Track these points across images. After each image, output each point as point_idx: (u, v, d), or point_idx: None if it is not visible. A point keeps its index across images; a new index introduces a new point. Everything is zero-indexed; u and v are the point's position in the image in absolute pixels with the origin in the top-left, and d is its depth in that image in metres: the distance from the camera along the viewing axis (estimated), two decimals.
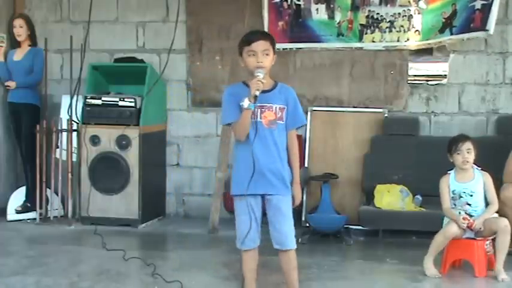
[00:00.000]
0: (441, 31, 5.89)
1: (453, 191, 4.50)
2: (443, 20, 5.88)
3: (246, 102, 3.34)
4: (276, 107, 3.48)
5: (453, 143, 4.52)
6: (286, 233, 3.52)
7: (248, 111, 3.37)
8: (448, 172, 4.56)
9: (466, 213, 4.46)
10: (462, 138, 4.53)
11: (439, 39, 5.90)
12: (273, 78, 3.56)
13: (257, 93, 3.34)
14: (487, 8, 5.65)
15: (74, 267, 4.69)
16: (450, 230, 4.42)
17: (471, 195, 4.45)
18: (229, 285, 4.23)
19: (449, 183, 4.51)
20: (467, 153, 4.45)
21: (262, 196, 3.51)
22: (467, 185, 4.47)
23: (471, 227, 4.39)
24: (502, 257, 4.34)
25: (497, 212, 4.52)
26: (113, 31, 6.67)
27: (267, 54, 3.43)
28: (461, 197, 4.47)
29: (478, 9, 5.70)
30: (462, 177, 4.50)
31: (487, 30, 5.65)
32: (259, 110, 3.43)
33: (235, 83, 3.67)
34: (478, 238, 4.44)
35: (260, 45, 3.42)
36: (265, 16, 6.21)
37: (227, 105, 3.50)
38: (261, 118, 3.44)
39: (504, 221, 4.37)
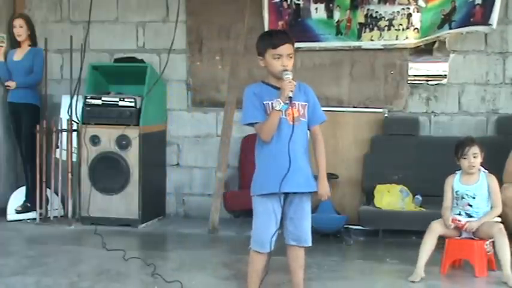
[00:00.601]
0: (440, 27, 5.89)
1: (456, 192, 4.50)
2: (442, 17, 5.87)
3: (278, 104, 3.35)
4: (298, 104, 3.48)
5: (459, 147, 4.47)
6: (305, 229, 3.53)
7: (279, 113, 3.37)
8: (455, 172, 4.55)
9: (466, 213, 4.46)
10: (468, 142, 4.46)
11: (437, 34, 5.90)
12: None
13: (291, 94, 3.34)
14: (488, 3, 5.66)
15: (74, 267, 4.69)
16: (433, 226, 4.43)
17: (473, 198, 4.45)
18: (229, 285, 4.23)
19: (454, 184, 4.51)
20: (473, 157, 4.41)
21: (285, 195, 3.46)
22: (471, 188, 4.46)
23: (462, 228, 4.40)
24: (506, 259, 4.28)
25: (499, 217, 4.51)
26: (113, 31, 6.67)
27: (291, 57, 3.46)
28: (463, 198, 4.47)
29: (478, 4, 5.70)
30: (467, 180, 4.48)
31: (490, 24, 5.64)
32: None
33: (256, 82, 3.61)
34: (476, 238, 4.45)
35: (285, 49, 3.44)
36: (265, 16, 6.22)
37: (250, 105, 3.46)
38: (285, 115, 3.42)
39: (498, 225, 4.35)
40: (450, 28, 5.84)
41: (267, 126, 3.41)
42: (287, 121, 3.42)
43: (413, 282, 4.28)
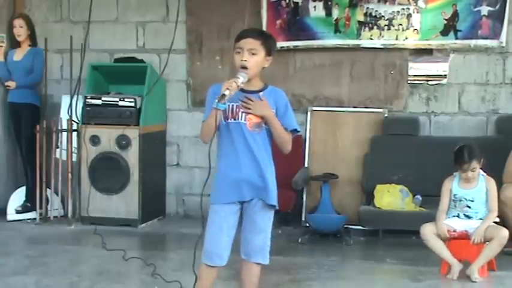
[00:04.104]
0: (444, 33, 5.91)
1: (455, 195, 4.49)
2: (445, 22, 5.89)
3: (215, 102, 3.05)
4: None
5: (458, 161, 4.43)
6: (256, 245, 3.24)
7: (216, 111, 3.06)
8: (454, 174, 4.54)
9: (465, 215, 4.47)
10: (467, 159, 4.37)
11: (442, 42, 5.92)
12: (264, 80, 3.29)
13: (226, 92, 3.02)
14: (495, 15, 5.77)
15: (74, 267, 4.69)
16: (426, 232, 4.46)
17: (472, 201, 4.45)
18: (228, 284, 4.23)
19: (452, 187, 4.50)
20: (471, 171, 4.39)
21: (241, 204, 3.24)
22: (469, 192, 4.46)
23: (464, 236, 4.43)
24: (483, 260, 4.33)
25: (497, 216, 4.53)
26: (113, 31, 6.67)
27: (253, 54, 3.14)
28: (462, 200, 4.47)
29: (484, 15, 5.79)
30: (466, 184, 4.47)
31: (501, 42, 5.80)
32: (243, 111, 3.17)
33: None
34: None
35: (247, 43, 3.15)
36: (263, 15, 6.21)
37: (207, 104, 3.22)
38: (245, 120, 3.17)
39: (504, 232, 4.34)
40: (456, 38, 5.89)
41: (204, 125, 3.19)
42: (245, 126, 3.16)
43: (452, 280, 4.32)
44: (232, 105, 3.17)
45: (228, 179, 3.20)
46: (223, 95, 3.03)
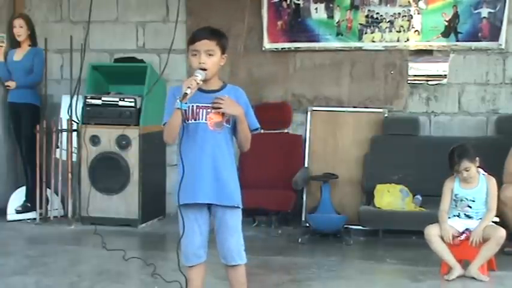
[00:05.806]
0: (445, 35, 5.93)
1: (456, 195, 4.48)
2: (446, 23, 5.91)
3: (177, 102, 3.04)
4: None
5: (451, 162, 4.42)
6: (230, 248, 3.27)
7: (178, 112, 3.05)
8: (454, 174, 4.52)
9: (465, 215, 4.47)
10: (457, 159, 4.37)
11: (443, 43, 5.93)
12: (222, 79, 3.29)
13: (188, 91, 3.02)
14: (495, 17, 5.79)
15: (74, 267, 4.69)
16: (431, 232, 4.42)
17: (473, 201, 4.44)
18: (228, 285, 4.23)
19: (453, 187, 4.49)
20: (465, 171, 4.38)
21: (208, 205, 3.24)
22: (470, 192, 4.44)
23: (466, 238, 4.41)
24: (480, 261, 4.32)
25: (497, 216, 4.53)
26: (113, 31, 6.67)
27: (210, 55, 3.14)
28: (463, 200, 4.47)
29: (485, 17, 5.81)
30: (466, 184, 4.46)
31: (500, 44, 5.82)
32: (204, 110, 3.14)
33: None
34: None
35: (203, 45, 3.13)
36: (264, 16, 6.22)
37: (166, 106, 3.20)
38: (206, 120, 3.15)
39: (501, 232, 4.32)
40: (457, 40, 5.92)
41: (167, 125, 3.15)
42: (206, 125, 3.14)
43: (448, 280, 4.30)
44: (192, 105, 3.15)
45: (186, 180, 3.16)
46: (185, 93, 3.03)
